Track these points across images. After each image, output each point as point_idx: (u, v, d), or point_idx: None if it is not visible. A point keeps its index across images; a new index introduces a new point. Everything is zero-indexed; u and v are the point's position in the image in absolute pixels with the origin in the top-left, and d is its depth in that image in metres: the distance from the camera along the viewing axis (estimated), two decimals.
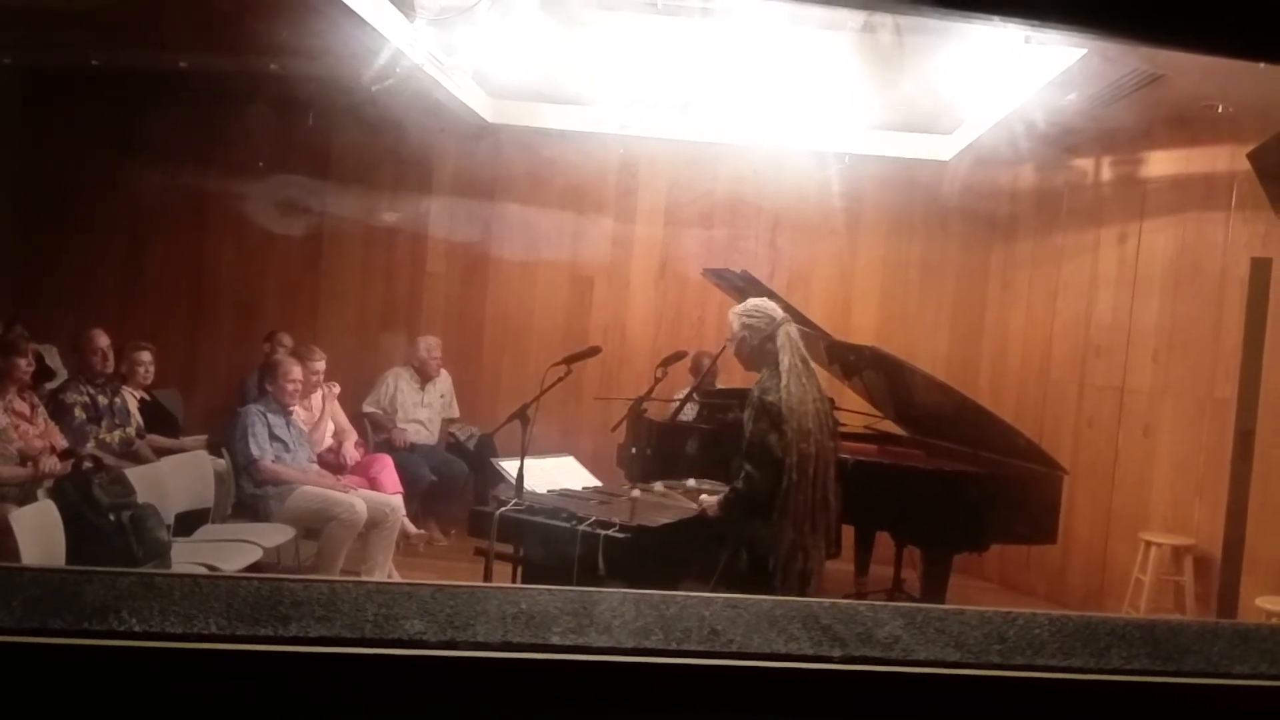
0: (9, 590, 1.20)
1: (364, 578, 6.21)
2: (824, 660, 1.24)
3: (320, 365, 7.12)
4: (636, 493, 4.92)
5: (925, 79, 6.28)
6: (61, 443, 5.80)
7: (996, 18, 1.46)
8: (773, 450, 4.27)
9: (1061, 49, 5.49)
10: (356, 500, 6.32)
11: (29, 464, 5.41)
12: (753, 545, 4.33)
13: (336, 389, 7.42)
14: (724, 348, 4.93)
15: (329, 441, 7.13)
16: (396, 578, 6.47)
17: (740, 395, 4.72)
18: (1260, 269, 6.19)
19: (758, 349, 4.48)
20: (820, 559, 4.41)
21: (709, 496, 4.71)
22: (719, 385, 7.02)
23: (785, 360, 4.37)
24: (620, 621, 1.27)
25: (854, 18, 5.31)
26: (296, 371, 6.64)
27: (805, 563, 4.28)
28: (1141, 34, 1.55)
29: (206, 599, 1.23)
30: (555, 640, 1.21)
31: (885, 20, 5.18)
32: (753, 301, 4.65)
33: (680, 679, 1.21)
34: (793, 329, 4.51)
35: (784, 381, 4.32)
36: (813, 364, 4.51)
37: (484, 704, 1.18)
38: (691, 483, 5.43)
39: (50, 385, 6.52)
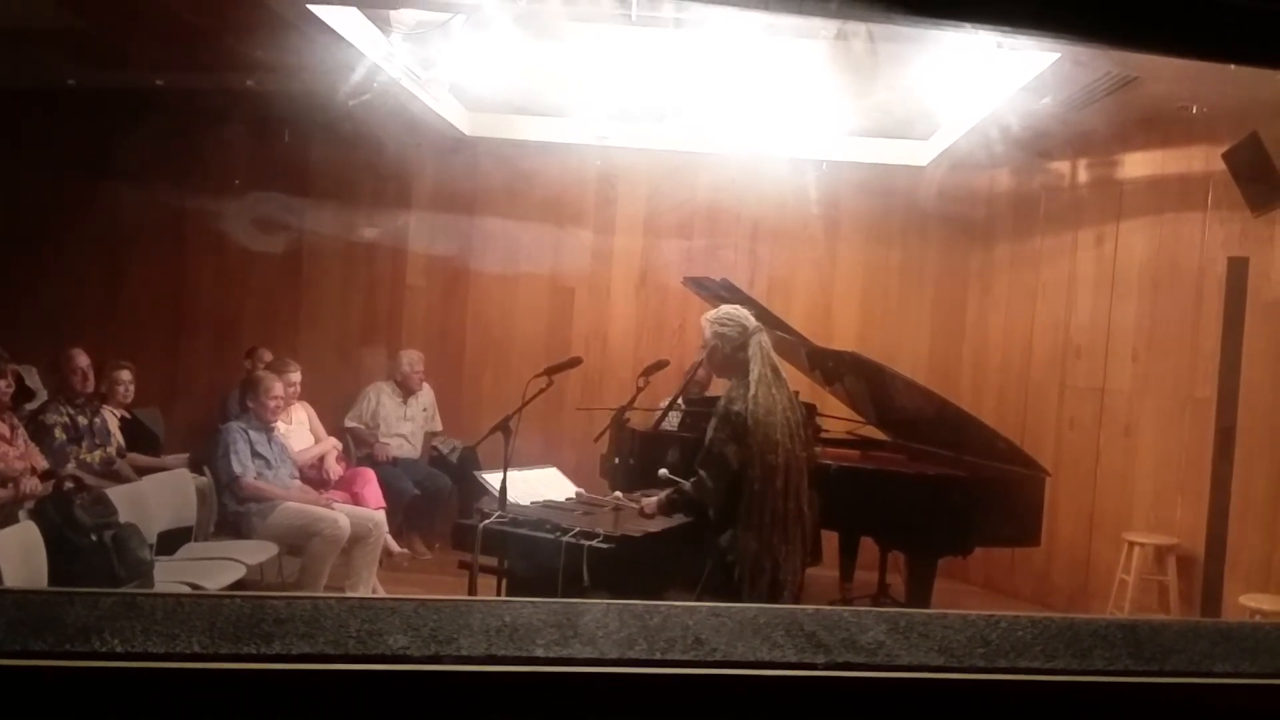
0: None
1: (348, 593, 6.19)
2: (808, 667, 1.24)
3: (296, 377, 7.10)
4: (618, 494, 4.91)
5: (900, 86, 6.32)
6: (42, 463, 5.77)
7: (968, 24, 1.47)
8: (729, 461, 4.19)
9: (1034, 54, 5.52)
10: (339, 516, 6.31)
11: (9, 485, 5.38)
12: (720, 556, 4.28)
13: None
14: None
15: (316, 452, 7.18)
16: (381, 593, 6.45)
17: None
18: (1237, 268, 6.23)
19: (729, 357, 4.40)
20: (796, 569, 4.35)
21: (648, 498, 4.61)
22: (707, 394, 7.02)
23: (755, 370, 4.30)
24: (604, 632, 1.28)
25: (828, 26, 5.33)
26: (278, 388, 6.62)
27: (775, 574, 4.22)
28: (1113, 38, 1.56)
29: (189, 618, 1.23)
30: (540, 652, 1.21)
31: (859, 28, 5.20)
32: (726, 309, 4.57)
33: (665, 688, 1.21)
34: (764, 338, 4.44)
35: (752, 391, 4.24)
36: (784, 373, 4.47)
37: (469, 717, 1.18)
38: (664, 471, 5.30)
39: (30, 406, 6.48)
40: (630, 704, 1.21)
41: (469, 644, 1.21)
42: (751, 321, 4.48)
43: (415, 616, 1.27)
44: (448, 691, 1.17)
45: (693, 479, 4.32)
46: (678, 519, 4.65)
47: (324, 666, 1.15)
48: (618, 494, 5.14)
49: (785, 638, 1.30)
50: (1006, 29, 1.46)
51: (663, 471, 4.90)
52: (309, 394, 7.47)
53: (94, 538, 4.99)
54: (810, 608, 1.42)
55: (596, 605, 1.36)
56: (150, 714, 1.12)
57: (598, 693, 1.20)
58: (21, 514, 5.25)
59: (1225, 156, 6.04)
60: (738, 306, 4.67)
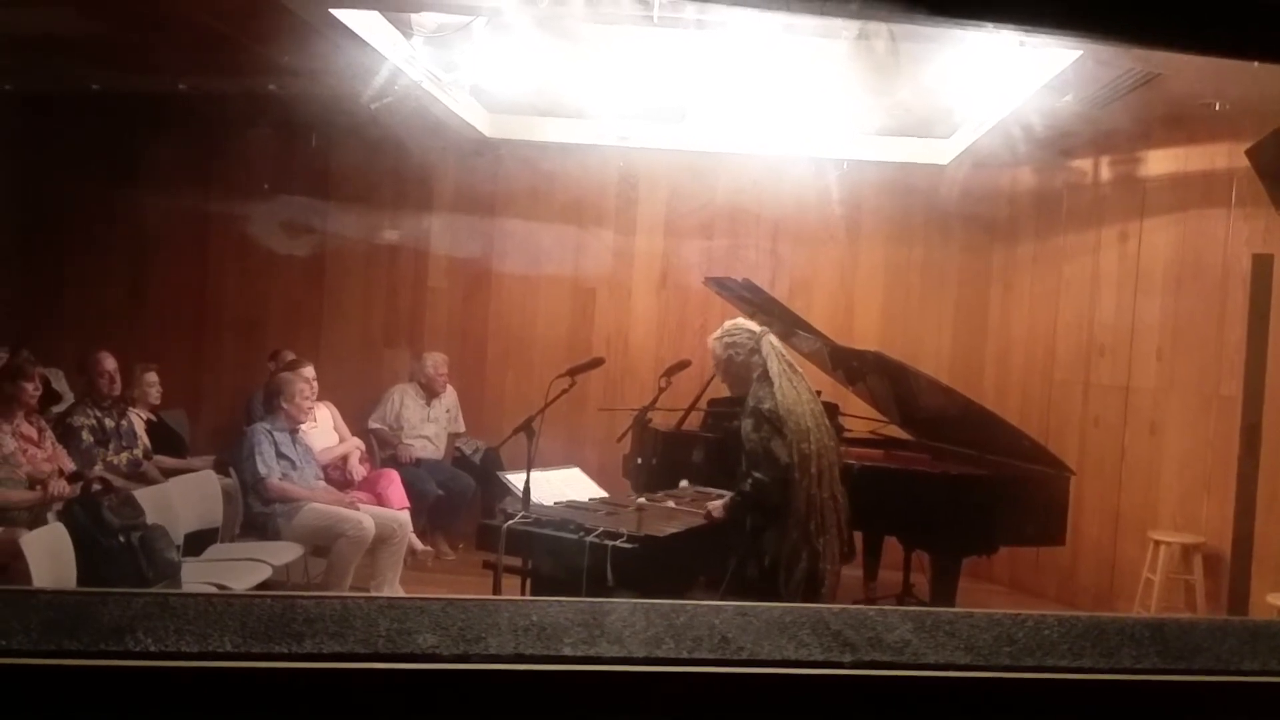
0: (25, 613, 1.21)
1: (374, 594, 6.21)
2: (835, 665, 1.24)
3: (309, 373, 7.10)
4: (643, 500, 4.96)
5: (921, 85, 6.30)
6: (70, 466, 5.82)
7: (991, 23, 1.47)
8: (778, 455, 4.34)
9: (1056, 51, 5.49)
10: (364, 517, 6.33)
11: (38, 488, 5.43)
12: (759, 549, 4.37)
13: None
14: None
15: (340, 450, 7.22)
16: (402, 594, 6.47)
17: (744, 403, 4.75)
18: (1262, 265, 6.20)
19: (745, 363, 4.60)
20: (834, 560, 4.43)
21: (715, 501, 4.73)
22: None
23: (774, 366, 4.50)
24: (631, 631, 1.28)
25: (849, 26, 5.32)
26: (306, 389, 6.65)
27: (813, 564, 4.31)
28: (1136, 35, 1.56)
29: (220, 618, 1.24)
30: (567, 651, 1.22)
31: (880, 28, 5.19)
32: (727, 325, 4.77)
33: (692, 687, 1.21)
34: (774, 339, 4.65)
35: (776, 385, 4.44)
36: (799, 367, 4.61)
37: (498, 716, 1.19)
38: (685, 483, 5.47)
39: (57, 409, 6.54)
40: (658, 702, 1.22)
41: (497, 643, 1.22)
42: (756, 326, 4.69)
43: (444, 616, 1.28)
44: (476, 690, 1.18)
45: (750, 481, 4.44)
46: (699, 520, 4.70)
47: (354, 665, 1.17)
48: (651, 492, 5.21)
49: (812, 636, 1.30)
50: (1029, 27, 1.46)
51: (684, 483, 5.01)
52: (332, 395, 7.50)
53: (122, 539, 5.03)
54: (836, 607, 1.42)
55: (623, 604, 1.37)
56: (183, 713, 1.13)
57: (625, 691, 1.21)
58: (50, 516, 5.30)
59: (1249, 153, 6.00)
60: (737, 319, 4.88)
